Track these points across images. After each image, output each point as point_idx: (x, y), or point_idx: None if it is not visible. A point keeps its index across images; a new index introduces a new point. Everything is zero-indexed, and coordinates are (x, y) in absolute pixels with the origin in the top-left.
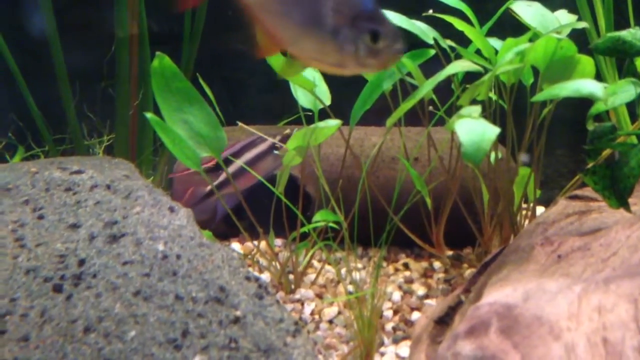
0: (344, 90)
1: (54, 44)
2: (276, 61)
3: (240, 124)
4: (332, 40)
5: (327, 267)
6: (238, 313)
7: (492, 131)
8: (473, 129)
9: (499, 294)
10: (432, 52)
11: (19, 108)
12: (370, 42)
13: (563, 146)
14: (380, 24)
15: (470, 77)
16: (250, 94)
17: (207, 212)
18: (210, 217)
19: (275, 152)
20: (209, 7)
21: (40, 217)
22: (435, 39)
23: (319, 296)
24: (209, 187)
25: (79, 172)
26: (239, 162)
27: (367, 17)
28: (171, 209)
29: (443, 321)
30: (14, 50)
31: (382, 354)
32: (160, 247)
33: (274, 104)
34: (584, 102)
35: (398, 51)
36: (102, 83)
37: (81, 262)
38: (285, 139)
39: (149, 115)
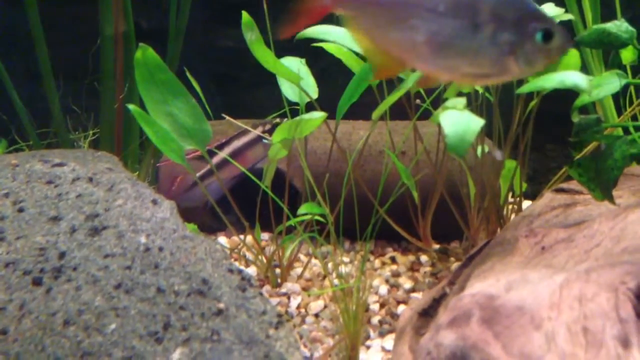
0: (331, 84)
1: (38, 39)
2: (264, 55)
3: (226, 117)
4: (491, 48)
5: (314, 261)
6: (220, 305)
7: (477, 123)
8: (457, 121)
9: (482, 285)
10: None
11: (3, 102)
12: (542, 43)
13: (552, 141)
14: (548, 21)
15: None
16: (239, 88)
17: (198, 199)
18: (202, 204)
19: (265, 140)
20: (198, 2)
21: (21, 210)
22: None
23: (306, 290)
24: (198, 174)
25: (60, 164)
26: (222, 154)
27: (533, 16)
28: (154, 202)
29: (427, 313)
30: None
31: (368, 347)
32: (143, 239)
33: (262, 98)
34: (574, 97)
35: (569, 46)
36: (87, 78)
37: (61, 255)
38: (275, 127)
39: (131, 107)
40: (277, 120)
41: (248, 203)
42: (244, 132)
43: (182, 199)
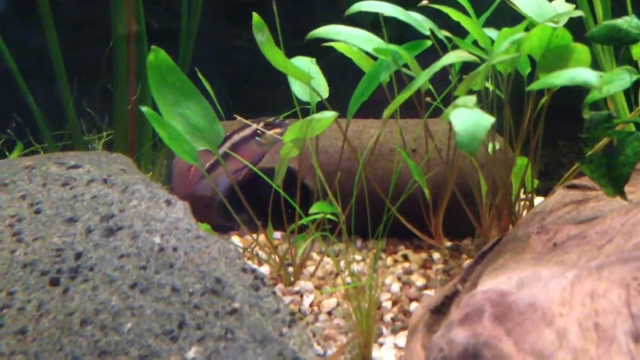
0: (341, 83)
1: (51, 41)
2: (275, 56)
3: (238, 117)
4: None
5: (327, 259)
6: (234, 304)
7: (487, 120)
8: (467, 119)
9: (494, 282)
10: (429, 43)
11: (19, 105)
12: None
13: (564, 137)
14: None
15: (469, 68)
16: (250, 88)
17: (210, 188)
18: (213, 193)
19: (257, 138)
20: (208, 2)
21: (38, 212)
22: (431, 30)
23: (318, 288)
24: (208, 164)
25: (75, 166)
26: (223, 148)
27: None
28: (168, 202)
29: (439, 310)
30: (12, 48)
31: (381, 344)
32: (157, 239)
33: (273, 98)
34: (586, 92)
35: None
36: (100, 79)
37: (78, 256)
38: (267, 126)
39: (145, 109)
40: (271, 119)
41: (260, 202)
42: (243, 128)
43: (197, 187)
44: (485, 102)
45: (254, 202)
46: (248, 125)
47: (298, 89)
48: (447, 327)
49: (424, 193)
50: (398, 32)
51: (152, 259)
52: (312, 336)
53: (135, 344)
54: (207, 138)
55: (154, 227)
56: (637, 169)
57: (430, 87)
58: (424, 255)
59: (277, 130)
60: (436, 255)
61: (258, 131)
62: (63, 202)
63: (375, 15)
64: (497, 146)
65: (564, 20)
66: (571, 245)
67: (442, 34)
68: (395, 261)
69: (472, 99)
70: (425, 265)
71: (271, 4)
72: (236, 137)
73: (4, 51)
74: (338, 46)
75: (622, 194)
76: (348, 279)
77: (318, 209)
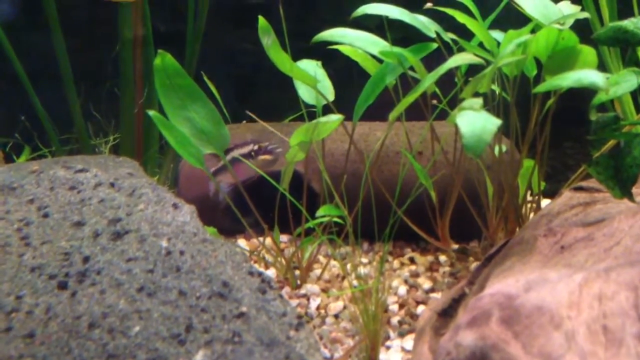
0: (347, 86)
1: (58, 45)
2: (281, 59)
3: (252, 115)
4: None
5: (333, 262)
6: (241, 308)
7: (493, 123)
8: (474, 121)
9: (501, 284)
10: (434, 45)
11: (26, 109)
12: None
13: (570, 139)
14: None
15: (475, 71)
16: (256, 91)
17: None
18: (215, 194)
19: (250, 159)
20: (214, 5)
21: (45, 216)
22: (437, 33)
23: (325, 291)
24: (214, 168)
25: (83, 170)
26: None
27: None
28: (174, 206)
29: (446, 313)
30: (19, 52)
31: (388, 348)
32: (164, 243)
33: (279, 101)
34: (593, 94)
35: None
36: (107, 83)
37: (85, 260)
38: (259, 150)
39: (152, 113)
40: (267, 143)
41: (267, 205)
42: (242, 145)
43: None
44: (491, 104)
45: (261, 205)
46: (247, 144)
47: (304, 92)
48: (454, 330)
49: (431, 196)
50: (404, 34)
51: (159, 263)
52: (319, 339)
53: (143, 348)
54: (213, 141)
55: (161, 231)
56: None
57: (437, 89)
58: (430, 258)
59: (266, 157)
60: (443, 258)
61: (252, 152)
62: (70, 206)
63: (381, 17)
64: (504, 148)
65: (570, 22)
66: (579, 248)
67: (448, 36)
68: (402, 264)
69: (479, 101)
70: (432, 268)
71: (277, 7)
72: (236, 153)
73: (11, 54)
74: (344, 49)
75: (630, 196)
76: (355, 282)
77: (324, 212)
